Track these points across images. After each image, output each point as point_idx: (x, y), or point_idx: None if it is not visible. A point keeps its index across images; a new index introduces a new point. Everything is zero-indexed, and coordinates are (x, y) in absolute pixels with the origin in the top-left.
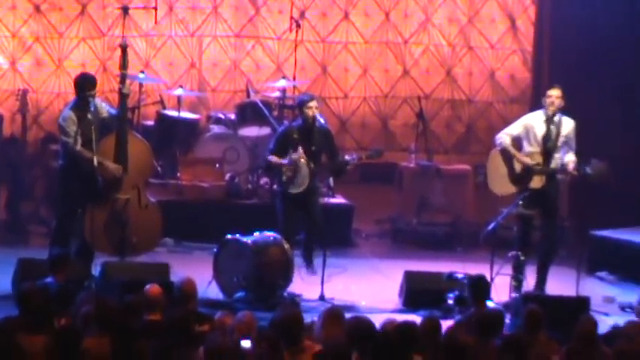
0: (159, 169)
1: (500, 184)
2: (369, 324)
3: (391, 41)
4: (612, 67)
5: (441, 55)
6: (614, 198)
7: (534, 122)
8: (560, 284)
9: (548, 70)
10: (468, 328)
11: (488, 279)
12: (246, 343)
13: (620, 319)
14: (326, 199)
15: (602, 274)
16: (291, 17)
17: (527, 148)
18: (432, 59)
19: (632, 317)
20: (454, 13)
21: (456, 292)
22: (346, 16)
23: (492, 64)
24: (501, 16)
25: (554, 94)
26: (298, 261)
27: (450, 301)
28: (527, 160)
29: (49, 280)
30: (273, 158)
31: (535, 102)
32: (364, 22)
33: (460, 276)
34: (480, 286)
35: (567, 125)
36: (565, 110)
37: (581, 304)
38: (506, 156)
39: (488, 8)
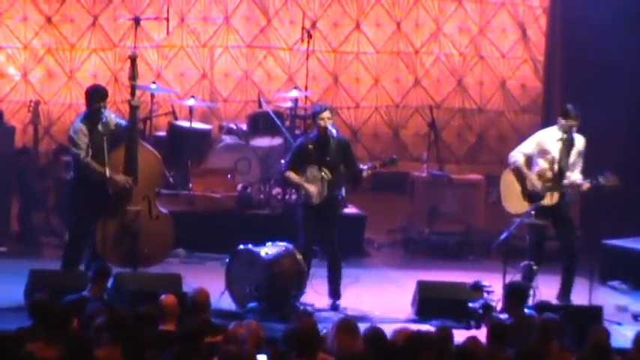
0: (171, 179)
1: (515, 202)
2: (383, 334)
3: (402, 51)
4: (624, 76)
5: (451, 64)
6: (626, 207)
7: (547, 139)
8: (573, 294)
9: (560, 79)
10: (509, 336)
11: (500, 288)
12: (262, 358)
13: (633, 329)
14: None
15: (615, 283)
16: (303, 27)
17: (539, 165)
18: (443, 69)
19: None
20: (465, 23)
21: (482, 301)
22: (357, 26)
23: (503, 74)
24: (512, 26)
25: (571, 124)
26: (314, 271)
27: (480, 311)
28: (537, 184)
29: (85, 293)
30: (291, 175)
31: (546, 111)
32: (375, 32)
33: (486, 284)
34: (519, 293)
35: (579, 142)
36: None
37: (594, 313)
38: (520, 175)
39: (499, 18)
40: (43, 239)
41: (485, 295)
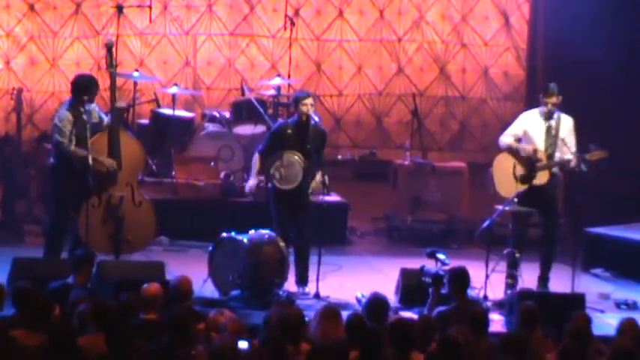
0: (154, 167)
1: (507, 185)
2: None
3: (385, 39)
4: (607, 63)
5: (434, 52)
6: (610, 195)
7: (532, 121)
8: (556, 281)
9: (542, 67)
10: (451, 320)
11: (484, 276)
12: (242, 344)
13: (616, 316)
14: (321, 197)
15: (598, 271)
16: (286, 15)
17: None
18: (426, 56)
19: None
20: (447, 11)
21: (434, 271)
22: (340, 14)
23: (486, 61)
24: (495, 14)
25: (551, 101)
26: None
27: (428, 279)
28: (530, 149)
29: (69, 279)
30: (256, 162)
31: (529, 99)
32: (358, 20)
33: (442, 257)
34: (462, 278)
35: (566, 123)
36: (560, 108)
37: (576, 301)
38: (512, 151)
39: (481, 5)
40: (26, 227)
41: (440, 265)
